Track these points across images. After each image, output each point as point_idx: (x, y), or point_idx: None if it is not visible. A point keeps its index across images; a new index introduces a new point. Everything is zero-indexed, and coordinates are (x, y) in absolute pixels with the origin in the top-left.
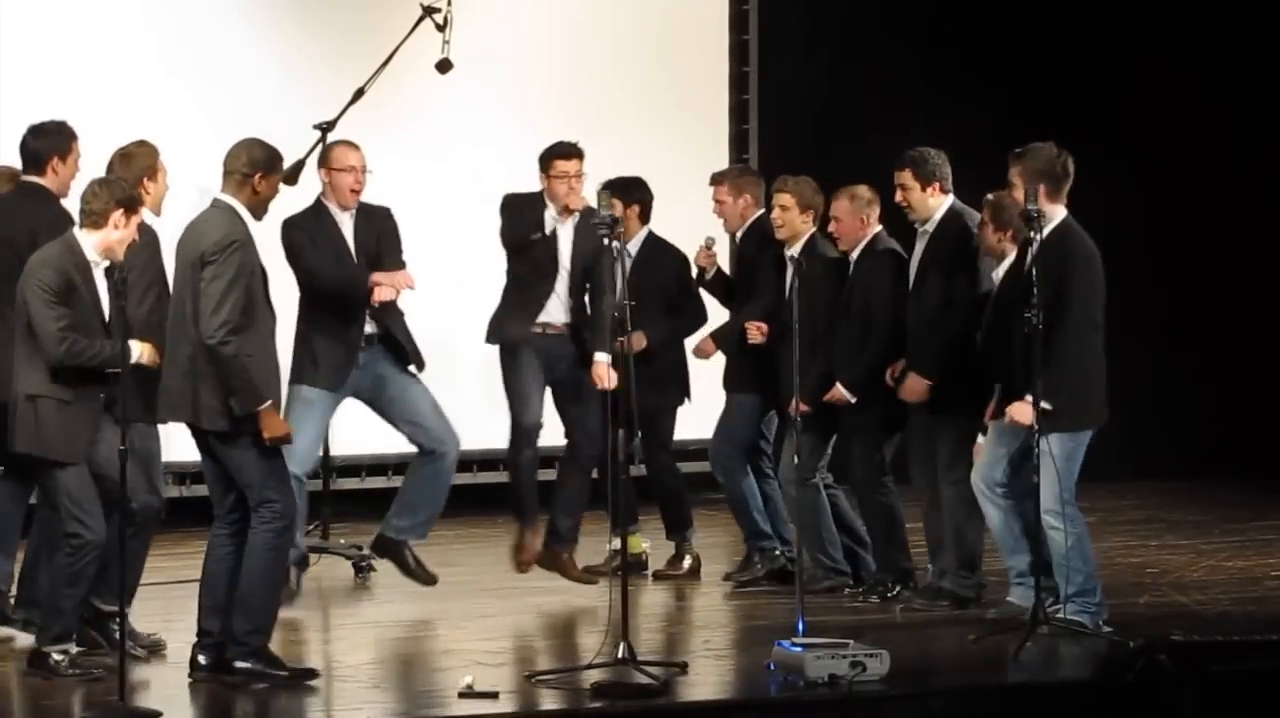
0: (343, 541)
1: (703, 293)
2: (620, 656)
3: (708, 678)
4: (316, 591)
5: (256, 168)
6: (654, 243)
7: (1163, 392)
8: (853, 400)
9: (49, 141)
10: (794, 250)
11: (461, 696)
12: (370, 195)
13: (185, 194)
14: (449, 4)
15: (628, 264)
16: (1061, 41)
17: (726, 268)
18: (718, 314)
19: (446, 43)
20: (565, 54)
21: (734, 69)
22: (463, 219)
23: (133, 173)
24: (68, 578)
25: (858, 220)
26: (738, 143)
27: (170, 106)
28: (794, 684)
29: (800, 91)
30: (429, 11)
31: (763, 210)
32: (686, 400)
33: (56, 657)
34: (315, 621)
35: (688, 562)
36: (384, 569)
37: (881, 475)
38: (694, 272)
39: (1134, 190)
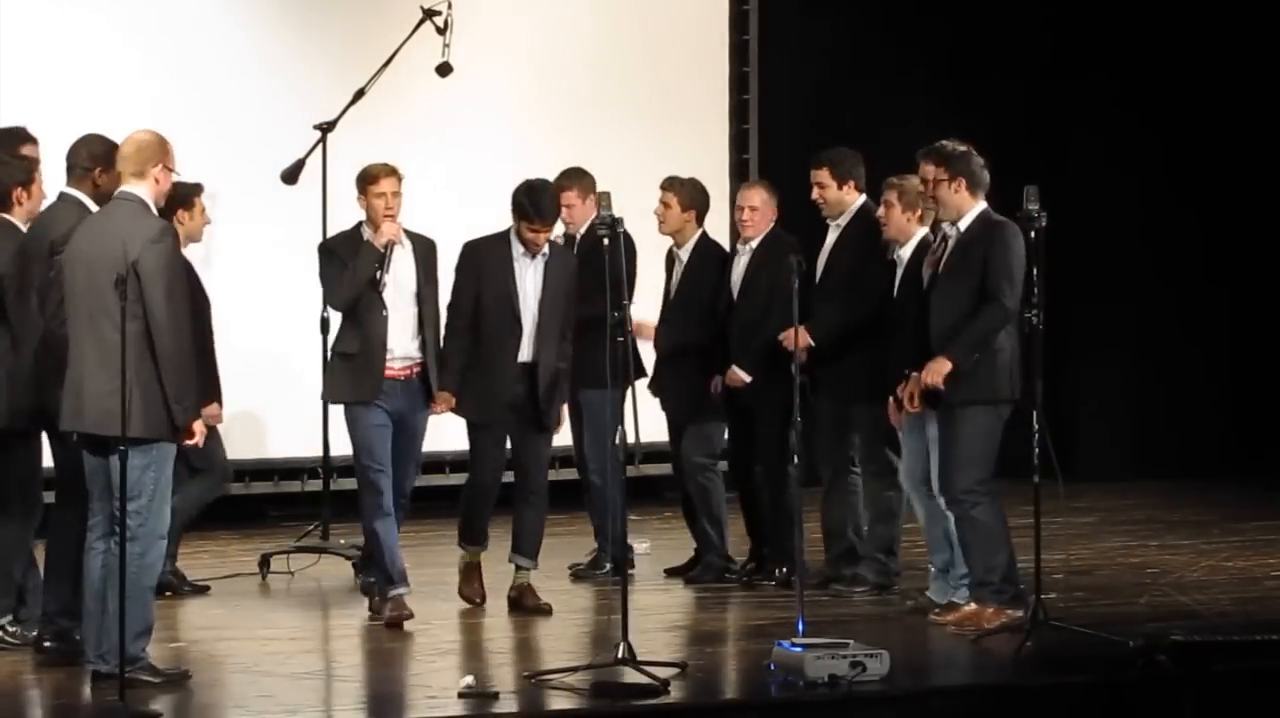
0: (343, 541)
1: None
2: (620, 656)
3: (708, 678)
4: (316, 590)
5: (97, 163)
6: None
7: (1163, 392)
8: (747, 380)
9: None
10: (683, 251)
11: (461, 696)
12: None
13: None
14: (449, 7)
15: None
16: (1062, 40)
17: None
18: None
19: (447, 46)
20: (565, 56)
21: (734, 69)
22: (463, 220)
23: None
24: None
25: (770, 212)
26: (738, 143)
27: (171, 107)
28: (794, 684)
29: (800, 91)
30: (429, 14)
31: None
32: None
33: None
34: (315, 621)
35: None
36: None
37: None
38: None
39: (1136, 189)
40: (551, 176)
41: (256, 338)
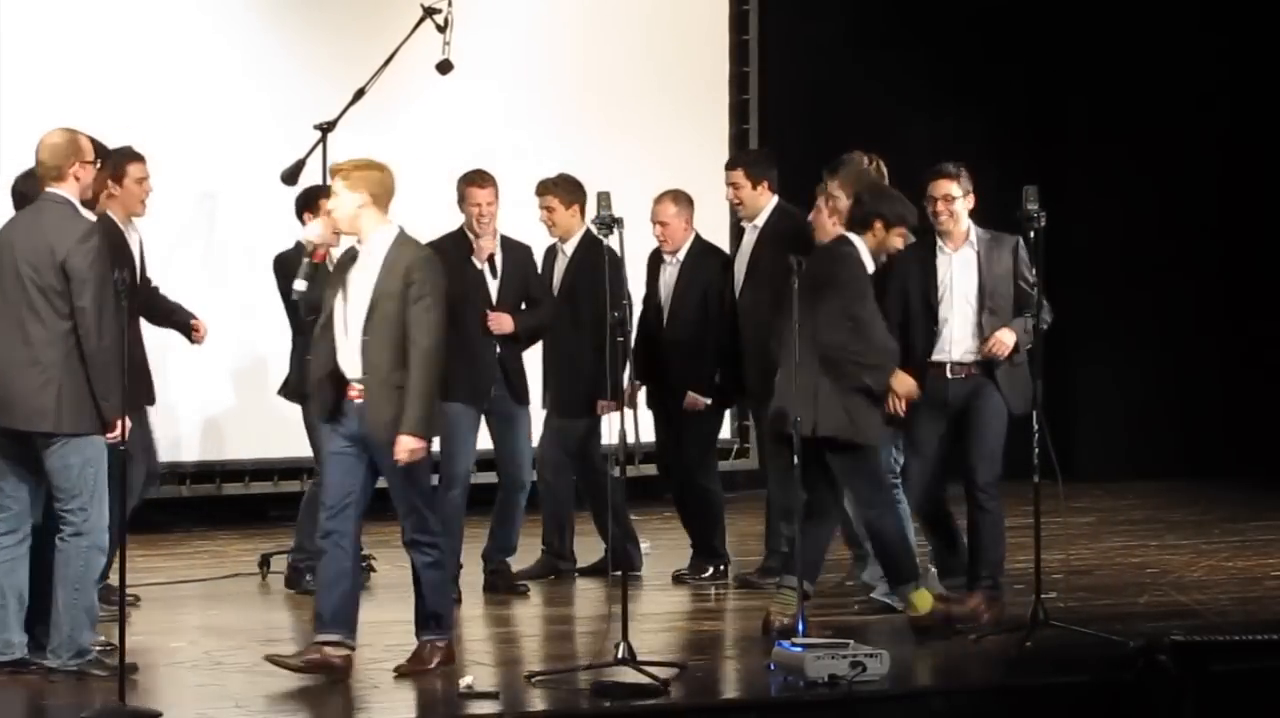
0: None
1: None
2: (620, 656)
3: (708, 678)
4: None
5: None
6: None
7: (1163, 391)
8: (708, 402)
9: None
10: (567, 245)
11: (461, 696)
12: None
13: (185, 196)
14: (450, 5)
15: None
16: (1063, 39)
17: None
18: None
19: (447, 44)
20: (565, 55)
21: (734, 69)
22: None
23: None
24: None
25: (683, 222)
26: (738, 143)
27: (170, 107)
28: (794, 684)
29: (800, 91)
30: (430, 12)
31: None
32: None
33: None
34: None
35: None
36: (384, 569)
37: (713, 462)
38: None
39: (1137, 191)
40: (551, 175)
41: (256, 338)
